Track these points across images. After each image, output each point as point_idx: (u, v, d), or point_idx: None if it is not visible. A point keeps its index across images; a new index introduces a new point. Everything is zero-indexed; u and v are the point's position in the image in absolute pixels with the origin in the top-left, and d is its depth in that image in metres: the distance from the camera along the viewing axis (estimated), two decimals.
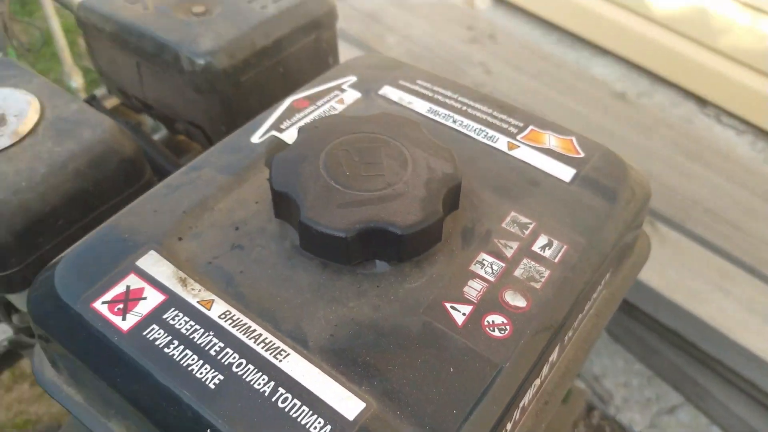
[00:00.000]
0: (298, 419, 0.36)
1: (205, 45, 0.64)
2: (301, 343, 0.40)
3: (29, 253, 0.54)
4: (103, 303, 0.42)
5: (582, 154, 0.53)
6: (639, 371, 1.83)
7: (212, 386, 0.37)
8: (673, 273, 1.60)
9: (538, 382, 0.44)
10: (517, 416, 0.43)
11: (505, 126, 0.55)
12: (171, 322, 0.41)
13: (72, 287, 0.43)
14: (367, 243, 0.42)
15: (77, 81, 1.23)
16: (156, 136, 0.84)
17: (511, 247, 0.45)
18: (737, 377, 1.59)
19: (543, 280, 0.43)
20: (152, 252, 0.45)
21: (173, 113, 0.72)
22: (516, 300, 0.42)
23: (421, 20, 2.36)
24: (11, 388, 1.87)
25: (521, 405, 0.43)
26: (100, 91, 0.84)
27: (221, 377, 0.38)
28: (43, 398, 1.82)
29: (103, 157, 0.56)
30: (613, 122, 2.02)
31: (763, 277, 1.65)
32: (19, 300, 0.60)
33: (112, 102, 0.89)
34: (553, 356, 0.45)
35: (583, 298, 0.45)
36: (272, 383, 0.37)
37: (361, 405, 0.37)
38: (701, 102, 2.35)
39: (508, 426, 0.41)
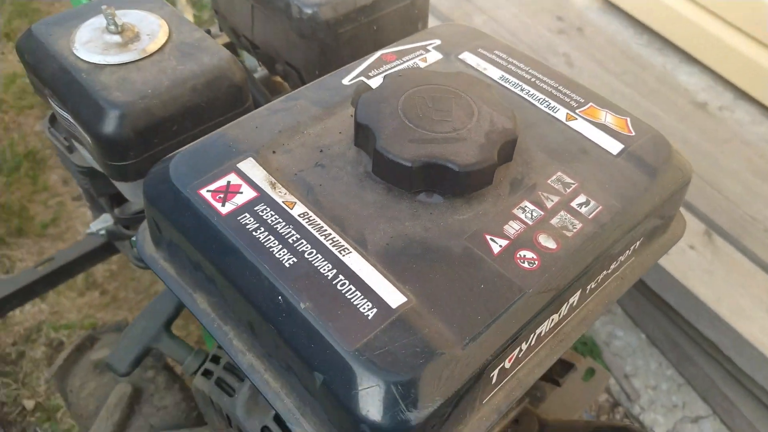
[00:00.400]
0: (352, 300, 0.44)
1: None
2: (361, 246, 0.48)
3: (145, 150, 0.64)
4: (208, 191, 0.52)
5: (633, 133, 0.58)
6: (670, 377, 1.85)
7: (287, 265, 0.46)
8: (722, 285, 1.61)
9: (556, 317, 0.51)
10: (533, 341, 0.50)
11: (567, 99, 0.61)
12: (260, 213, 0.50)
13: (183, 176, 0.53)
14: (427, 175, 0.50)
15: (189, 17, 1.35)
16: (255, 76, 0.94)
17: (552, 200, 0.52)
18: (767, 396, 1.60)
19: (575, 230, 0.50)
20: (250, 159, 0.54)
21: (276, 54, 0.81)
22: (548, 242, 0.49)
23: (511, 4, 2.39)
24: (83, 294, 2.07)
25: (538, 332, 0.50)
26: (213, 29, 0.95)
27: (295, 260, 0.47)
28: (109, 307, 2.01)
29: (217, 80, 0.65)
30: (689, 130, 2.01)
31: None
32: (128, 189, 0.71)
33: (221, 40, 0.99)
34: (574, 299, 0.52)
35: (608, 255, 0.51)
36: (335, 270, 0.46)
37: (403, 299, 0.45)
38: None
39: (523, 345, 0.49)
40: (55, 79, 0.65)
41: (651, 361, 1.90)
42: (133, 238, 0.81)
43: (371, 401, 0.41)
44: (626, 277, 0.59)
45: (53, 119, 0.78)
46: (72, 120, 0.65)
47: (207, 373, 0.71)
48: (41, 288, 1.32)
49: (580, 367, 1.18)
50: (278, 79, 0.94)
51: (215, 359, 0.72)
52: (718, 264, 1.65)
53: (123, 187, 0.71)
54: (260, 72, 0.95)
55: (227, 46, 0.93)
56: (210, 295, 0.54)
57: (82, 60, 0.65)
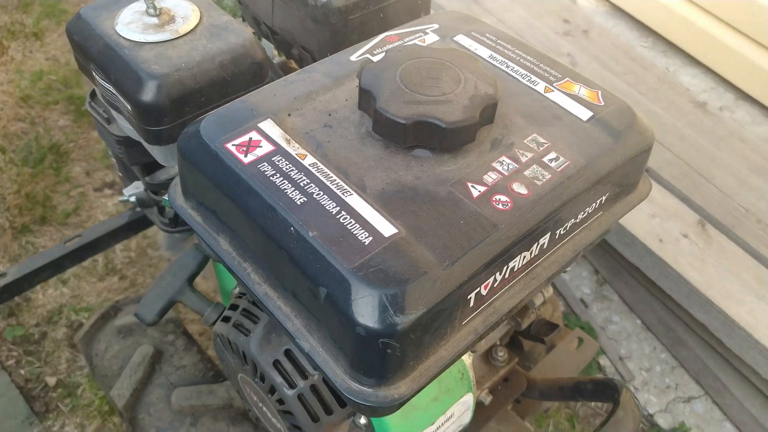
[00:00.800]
0: (351, 230, 0.53)
1: None
2: (361, 189, 0.57)
3: (178, 117, 0.74)
4: (233, 145, 0.61)
5: (602, 103, 0.67)
6: (664, 360, 1.92)
7: (298, 203, 0.56)
8: (713, 271, 1.68)
9: (527, 255, 0.60)
10: (507, 274, 0.59)
11: (546, 75, 0.70)
12: (276, 162, 0.59)
13: (212, 134, 0.63)
14: (419, 131, 0.59)
15: None
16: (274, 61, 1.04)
17: (526, 156, 0.61)
18: (756, 376, 1.66)
19: (544, 180, 0.59)
20: (269, 120, 0.64)
21: (292, 39, 0.91)
22: (520, 189, 0.58)
23: (520, 7, 2.47)
24: (103, 279, 2.17)
25: (511, 266, 0.58)
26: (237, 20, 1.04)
27: (305, 199, 0.56)
28: (127, 292, 2.11)
29: (241, 57, 0.75)
30: (686, 127, 2.08)
31: None
32: (160, 153, 0.80)
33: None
34: (544, 241, 0.61)
35: (574, 204, 0.60)
36: (338, 207, 0.55)
37: (395, 230, 0.54)
38: None
39: (497, 276, 0.58)
40: (101, 55, 0.75)
41: (645, 345, 1.97)
42: (165, 197, 0.90)
43: (365, 308, 0.50)
44: (594, 228, 0.67)
45: (93, 95, 0.88)
46: (114, 90, 0.75)
47: (226, 320, 0.80)
48: (69, 262, 1.42)
49: (569, 337, 1.26)
50: (293, 65, 1.03)
51: (233, 307, 0.81)
52: (709, 252, 1.72)
53: (156, 151, 0.80)
54: (277, 59, 1.05)
55: None
56: (231, 236, 0.63)
57: (124, 38, 0.75)
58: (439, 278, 0.52)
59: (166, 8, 0.79)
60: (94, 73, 0.79)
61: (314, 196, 0.56)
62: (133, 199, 0.96)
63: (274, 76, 0.97)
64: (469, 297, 0.56)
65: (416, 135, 0.59)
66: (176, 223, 0.96)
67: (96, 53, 0.77)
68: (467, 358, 0.82)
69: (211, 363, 1.19)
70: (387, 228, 0.54)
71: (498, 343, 1.03)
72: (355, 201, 0.56)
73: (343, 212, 0.55)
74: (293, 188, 0.57)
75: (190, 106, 0.74)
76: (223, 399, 1.07)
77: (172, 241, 1.53)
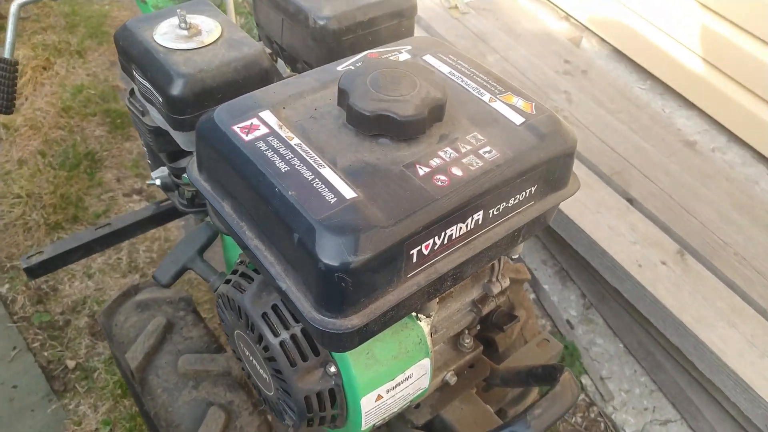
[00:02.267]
0: (321, 193, 0.70)
1: (325, 12, 1.01)
2: (333, 164, 0.74)
3: (198, 108, 0.92)
4: (237, 127, 0.78)
5: (534, 112, 0.83)
6: (644, 383, 2.02)
7: (283, 171, 0.72)
8: (688, 297, 1.78)
9: (463, 227, 0.75)
10: (445, 240, 0.74)
11: (492, 88, 0.87)
12: (269, 141, 0.76)
13: (223, 119, 0.80)
14: (380, 122, 0.75)
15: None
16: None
17: (466, 148, 0.77)
18: (727, 401, 1.74)
19: (477, 166, 0.75)
20: (267, 111, 0.81)
21: (296, 55, 1.09)
22: (457, 171, 0.74)
23: (523, 47, 2.66)
24: (126, 275, 2.35)
25: (449, 234, 0.74)
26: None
27: (288, 168, 0.73)
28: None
29: (252, 64, 0.94)
30: (674, 164, 2.20)
31: None
32: (182, 138, 0.98)
33: None
34: (478, 217, 0.76)
35: (503, 187, 0.75)
36: (313, 176, 0.72)
37: (354, 195, 0.70)
38: None
39: (437, 239, 0.73)
40: (141, 57, 0.95)
41: (626, 367, 2.07)
42: (185, 175, 1.08)
43: (327, 249, 0.66)
44: (526, 214, 0.83)
45: (132, 93, 1.07)
46: (149, 86, 0.94)
47: (227, 282, 0.97)
48: (98, 246, 1.60)
49: (536, 339, 1.40)
50: None
51: (234, 272, 0.98)
52: (686, 279, 1.83)
53: (179, 137, 0.99)
54: (287, 74, 1.24)
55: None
56: (233, 201, 0.80)
57: (160, 45, 0.95)
58: (385, 232, 0.68)
59: (195, 24, 0.98)
60: (134, 72, 0.98)
61: (296, 167, 0.73)
62: (158, 182, 1.15)
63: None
64: (411, 252, 0.71)
65: (378, 125, 0.76)
66: (192, 203, 1.13)
67: (137, 56, 0.96)
68: (425, 326, 0.97)
69: (214, 337, 1.35)
70: (349, 192, 0.70)
71: (466, 332, 1.17)
72: (327, 172, 0.72)
73: (317, 179, 0.71)
74: (280, 160, 0.74)
75: (208, 100, 0.92)
76: (222, 367, 1.23)
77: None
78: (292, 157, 0.74)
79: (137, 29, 0.98)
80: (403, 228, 0.69)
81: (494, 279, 1.04)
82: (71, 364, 2.08)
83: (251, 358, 0.98)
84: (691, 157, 2.27)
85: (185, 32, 0.96)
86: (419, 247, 0.72)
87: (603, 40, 3.05)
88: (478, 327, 1.18)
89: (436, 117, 0.78)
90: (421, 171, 0.74)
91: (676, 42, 2.72)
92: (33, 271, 1.50)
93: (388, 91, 0.77)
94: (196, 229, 1.03)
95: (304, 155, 0.74)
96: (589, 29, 3.08)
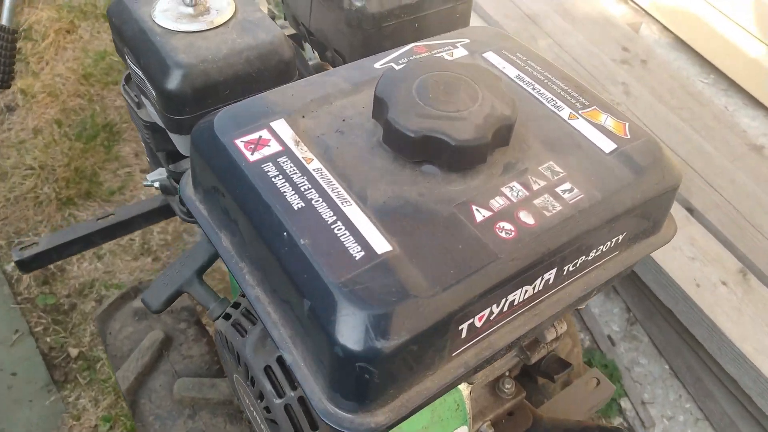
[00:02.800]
0: (344, 242, 0.52)
1: None
2: (362, 200, 0.55)
3: (199, 107, 0.74)
4: (241, 141, 0.60)
5: (628, 136, 0.63)
6: (689, 410, 1.83)
7: (295, 208, 0.54)
8: (749, 324, 1.59)
9: (530, 290, 0.57)
10: (505, 308, 0.56)
11: (573, 101, 0.67)
12: (281, 164, 0.58)
13: (224, 128, 0.62)
14: (427, 146, 0.56)
15: (263, 5, 1.47)
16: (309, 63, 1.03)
17: (539, 184, 0.58)
18: None
19: (554, 211, 0.56)
20: (282, 120, 0.63)
21: (326, 41, 0.90)
22: (527, 218, 0.55)
23: (578, 31, 2.42)
24: (138, 258, 2.21)
25: (510, 299, 0.56)
26: (279, 22, 1.05)
27: (303, 205, 0.55)
28: (159, 272, 2.14)
29: (268, 54, 0.75)
30: (740, 171, 1.99)
31: None
32: (181, 142, 0.80)
33: (288, 32, 1.10)
34: (549, 277, 0.58)
35: (585, 240, 0.56)
36: (334, 217, 0.54)
37: (389, 247, 0.52)
38: None
39: (494, 308, 0.55)
40: (134, 39, 0.76)
41: (671, 391, 1.88)
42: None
43: (346, 327, 0.48)
44: (608, 268, 0.63)
45: (128, 78, 0.89)
46: (142, 75, 0.76)
47: (227, 317, 0.80)
48: (99, 238, 1.44)
49: (585, 377, 1.21)
50: (328, 68, 1.03)
51: (236, 305, 0.81)
52: (748, 303, 1.64)
53: (177, 140, 0.81)
54: (314, 60, 1.04)
55: (293, 37, 1.03)
56: (232, 234, 0.62)
57: (158, 25, 0.76)
58: (427, 305, 0.50)
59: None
60: (127, 57, 0.80)
61: (313, 202, 0.55)
62: (156, 185, 0.97)
63: (305, 75, 0.97)
64: (460, 328, 0.53)
65: (425, 150, 0.57)
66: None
67: (130, 37, 0.77)
68: (465, 389, 0.79)
69: (218, 356, 1.20)
70: (381, 244, 0.52)
71: (507, 374, 0.99)
72: (353, 212, 0.54)
73: (339, 222, 0.53)
74: (293, 192, 0.56)
75: (212, 98, 0.74)
76: (224, 395, 1.07)
77: None
78: (308, 189, 0.56)
79: (133, 4, 0.79)
80: (453, 298, 0.51)
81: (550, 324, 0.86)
82: (74, 352, 1.97)
83: (252, 408, 0.82)
84: (758, 163, 2.05)
85: (190, 10, 0.77)
86: (472, 320, 0.54)
87: (664, 27, 2.80)
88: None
89: (501, 141, 0.59)
90: (479, 215, 0.55)
91: (745, 32, 2.47)
92: (26, 265, 1.35)
93: (439, 103, 0.58)
94: (196, 245, 0.87)
95: (325, 186, 0.56)
96: (650, 14, 2.82)
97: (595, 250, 0.60)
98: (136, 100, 0.85)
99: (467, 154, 0.56)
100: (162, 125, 0.83)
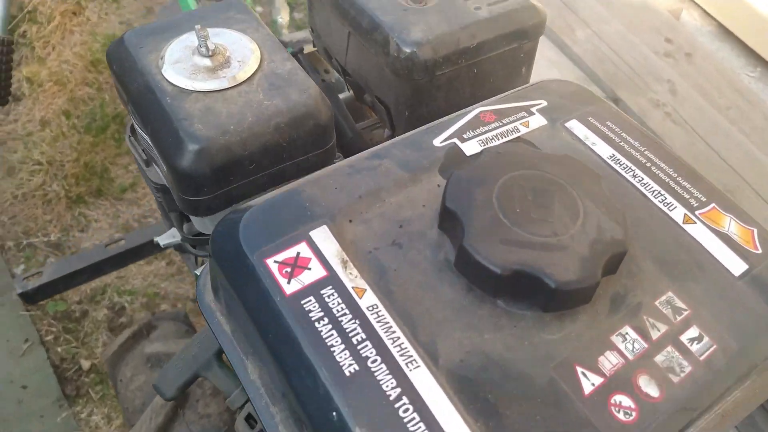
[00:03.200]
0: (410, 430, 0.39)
1: (415, 35, 0.66)
2: (432, 358, 0.43)
3: (220, 187, 0.61)
4: (275, 262, 0.48)
5: (759, 251, 0.50)
6: None
7: (347, 373, 0.42)
8: None
9: None
10: None
11: (686, 196, 0.53)
12: (326, 299, 0.45)
13: (252, 238, 0.49)
14: (517, 284, 0.44)
15: (284, 17, 1.32)
16: (341, 96, 0.89)
17: (659, 330, 0.45)
18: None
19: (683, 375, 0.43)
20: (325, 227, 0.50)
21: (366, 85, 0.76)
22: (649, 387, 0.42)
23: (617, 20, 2.23)
24: (151, 262, 2.11)
25: None
26: (300, 33, 0.90)
27: (357, 368, 0.42)
28: (173, 278, 2.04)
29: (302, 119, 0.61)
30: None
31: None
32: (198, 221, 0.68)
33: (309, 48, 0.95)
34: None
35: (720, 407, 0.44)
36: (399, 389, 0.41)
37: None
38: None
39: None
40: (140, 97, 0.63)
41: None
42: (197, 272, 0.79)
43: None
44: (728, 414, 0.51)
45: (134, 129, 0.76)
46: (150, 142, 0.63)
47: (250, 418, 0.68)
48: (109, 267, 1.34)
49: None
50: (369, 112, 0.89)
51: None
52: None
53: (194, 219, 0.68)
54: (344, 94, 0.91)
55: (314, 54, 0.89)
56: (262, 367, 0.50)
57: (168, 81, 0.62)
58: None
59: (222, 47, 0.65)
60: (131, 115, 0.67)
61: (369, 363, 0.42)
62: (172, 248, 0.85)
63: (340, 118, 0.83)
64: None
65: (513, 289, 0.44)
66: None
67: (135, 93, 0.64)
68: None
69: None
70: None
71: None
72: (423, 380, 0.41)
73: (405, 398, 0.41)
74: (344, 347, 0.43)
75: (235, 175, 0.60)
76: None
77: None
78: (363, 341, 0.43)
79: (138, 49, 0.66)
80: None
81: None
82: (86, 364, 1.89)
83: None
84: None
85: (207, 61, 0.63)
86: None
87: (706, 13, 2.59)
88: None
89: (610, 271, 0.46)
90: (587, 382, 0.42)
91: None
92: (30, 297, 1.25)
93: (530, 222, 0.45)
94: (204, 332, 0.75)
95: (384, 336, 0.43)
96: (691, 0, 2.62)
97: (721, 403, 0.47)
98: (144, 157, 0.72)
99: (571, 297, 0.43)
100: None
